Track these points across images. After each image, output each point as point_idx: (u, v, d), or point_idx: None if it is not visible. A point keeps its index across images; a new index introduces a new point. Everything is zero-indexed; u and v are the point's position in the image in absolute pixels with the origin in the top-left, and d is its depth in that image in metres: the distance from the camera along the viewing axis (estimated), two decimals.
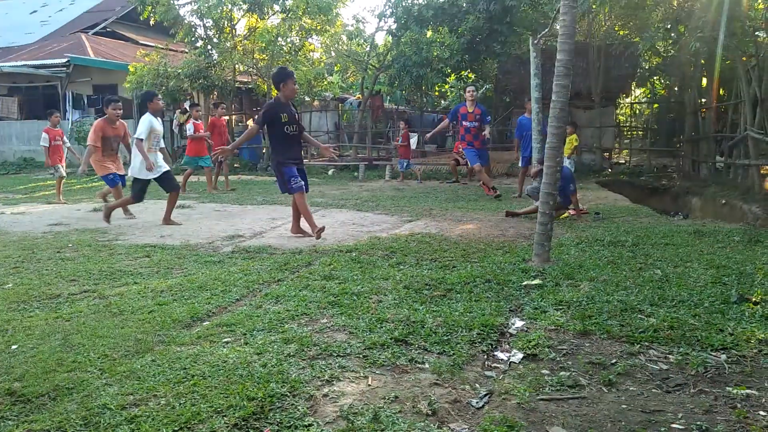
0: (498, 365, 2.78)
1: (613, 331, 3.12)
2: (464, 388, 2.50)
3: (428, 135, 11.44)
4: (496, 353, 2.91)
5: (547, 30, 7.14)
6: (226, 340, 3.06)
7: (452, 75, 16.78)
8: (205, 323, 3.34)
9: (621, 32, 15.57)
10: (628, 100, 18.91)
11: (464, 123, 9.70)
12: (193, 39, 16.67)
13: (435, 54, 14.25)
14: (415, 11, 14.99)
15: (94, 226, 6.96)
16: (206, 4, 15.69)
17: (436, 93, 22.17)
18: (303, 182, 5.91)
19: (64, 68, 17.53)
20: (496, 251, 5.13)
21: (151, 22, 16.93)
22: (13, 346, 2.98)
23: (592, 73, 14.28)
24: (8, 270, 4.62)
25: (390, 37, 16.45)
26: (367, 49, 17.83)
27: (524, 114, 9.68)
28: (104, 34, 22.26)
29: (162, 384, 2.51)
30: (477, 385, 2.55)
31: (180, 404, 2.32)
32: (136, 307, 3.61)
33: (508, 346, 3.01)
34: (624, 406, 2.36)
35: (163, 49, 16.74)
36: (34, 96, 19.48)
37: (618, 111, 18.05)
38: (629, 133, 18.80)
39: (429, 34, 15.25)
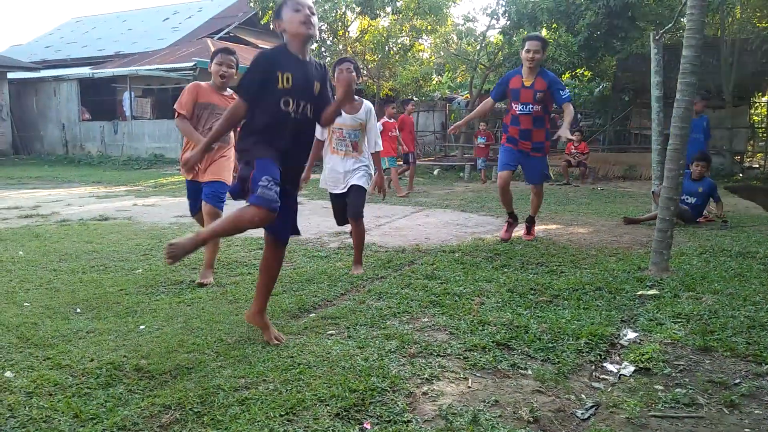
0: (606, 377, 2.65)
1: (738, 349, 2.86)
2: (569, 398, 2.41)
3: (454, 127, 5.76)
4: (604, 364, 2.77)
5: (671, 24, 6.67)
6: (330, 332, 3.16)
7: (566, 73, 16.16)
8: (311, 315, 3.47)
9: (759, 24, 14.23)
10: (765, 99, 17.26)
11: (514, 105, 5.32)
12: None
13: (549, 54, 13.78)
14: (529, 9, 14.59)
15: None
16: (322, 8, 16.26)
17: None
18: (277, 197, 2.69)
19: (192, 71, 18.88)
20: (608, 258, 4.88)
21: (271, 27, 17.81)
22: (141, 327, 3.25)
23: (723, 71, 13.19)
24: (139, 257, 5.06)
25: (502, 36, 16.15)
26: (478, 48, 17.63)
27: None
28: (228, 38, 23.73)
29: (271, 370, 2.64)
30: (583, 396, 2.44)
31: (286, 390, 2.43)
32: (250, 296, 3.82)
33: (618, 357, 2.86)
34: (747, 430, 2.16)
35: None
36: (164, 97, 21.18)
37: (753, 111, 16.52)
38: (765, 135, 17.15)
39: (543, 33, 14.79)
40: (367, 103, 4.59)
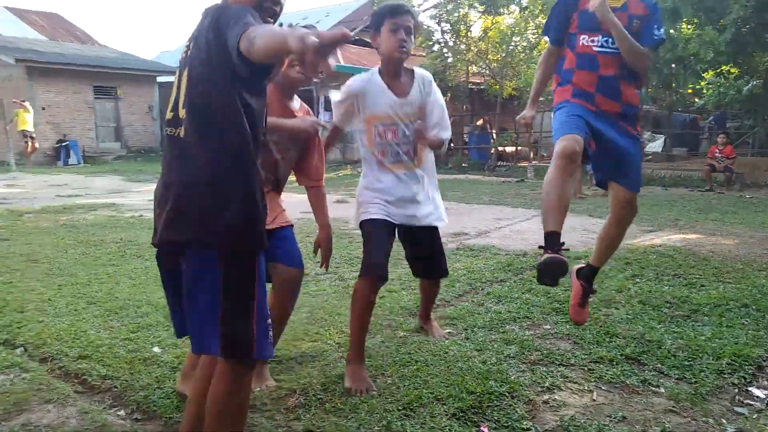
0: (752, 402, 2.40)
1: None
2: (706, 421, 2.22)
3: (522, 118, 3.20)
4: (750, 389, 2.52)
5: None
6: (448, 332, 3.16)
7: (709, 71, 14.85)
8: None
9: None
10: None
11: (586, 38, 2.81)
12: (430, 43, 17.42)
13: (692, 52, 12.68)
14: (669, 4, 13.55)
15: (340, 214, 7.72)
16: (446, 8, 16.27)
17: (689, 90, 19.84)
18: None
19: (319, 74, 19.69)
20: (757, 272, 4.43)
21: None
22: None
23: None
24: None
25: None
26: None
27: None
28: (353, 42, 24.49)
29: (389, 365, 2.69)
30: (723, 421, 2.24)
31: (404, 386, 2.47)
32: None
33: (767, 382, 2.58)
34: None
35: None
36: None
37: None
38: None
39: (684, 28, 13.69)
40: (420, 73, 2.75)
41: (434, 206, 2.81)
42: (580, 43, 2.82)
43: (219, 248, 1.57)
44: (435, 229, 2.85)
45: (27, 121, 15.12)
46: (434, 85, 2.76)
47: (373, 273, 2.58)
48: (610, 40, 2.76)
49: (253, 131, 1.62)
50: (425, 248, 2.89)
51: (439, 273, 3.00)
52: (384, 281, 2.67)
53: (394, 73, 2.66)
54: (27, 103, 15.77)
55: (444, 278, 3.10)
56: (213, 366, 1.67)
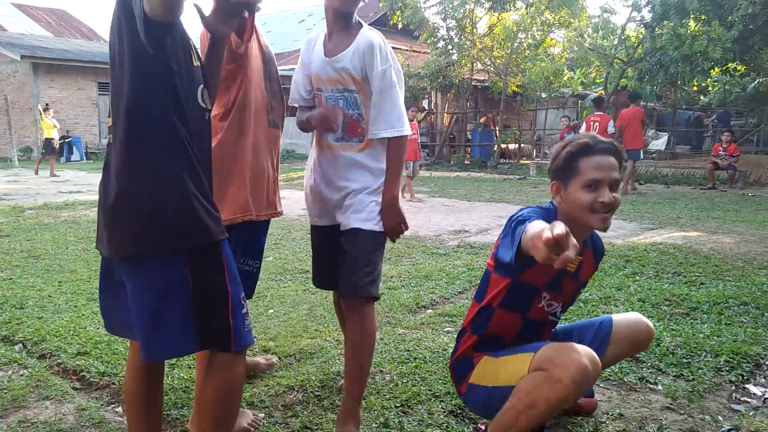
0: (749, 400, 2.40)
1: None
2: (703, 419, 2.22)
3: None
4: (747, 386, 2.51)
5: None
6: (447, 329, 3.16)
7: (715, 69, 14.77)
8: (428, 311, 3.49)
9: None
10: None
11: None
12: (435, 40, 17.40)
13: (699, 49, 12.57)
14: (676, 0, 13.45)
15: None
16: (451, 4, 16.22)
17: (695, 88, 19.77)
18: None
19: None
20: (757, 271, 4.41)
21: (399, 26, 18.11)
22: (270, 311, 3.46)
23: None
24: (270, 245, 5.38)
25: (643, 29, 15.13)
26: (615, 42, 16.66)
27: None
28: None
29: (388, 361, 2.69)
30: (720, 418, 2.23)
31: (402, 383, 2.47)
32: None
33: (764, 380, 2.58)
34: None
35: (407, 50, 17.81)
36: None
37: None
38: None
39: (692, 25, 13.61)
40: (365, 35, 2.10)
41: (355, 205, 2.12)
42: None
43: (174, 252, 1.49)
44: (358, 232, 2.10)
45: (51, 126, 13.97)
46: (383, 49, 2.07)
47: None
48: None
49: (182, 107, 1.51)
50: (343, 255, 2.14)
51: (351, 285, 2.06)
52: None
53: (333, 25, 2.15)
54: (48, 111, 14.48)
55: (363, 301, 2.08)
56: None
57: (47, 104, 15.13)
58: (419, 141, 9.89)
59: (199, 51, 1.67)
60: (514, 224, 1.70)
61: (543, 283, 1.92)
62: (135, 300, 1.51)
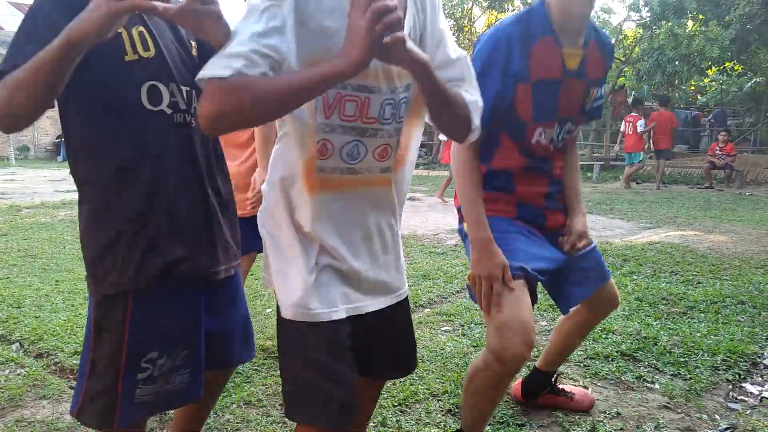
0: (746, 399, 2.40)
1: None
2: (700, 417, 2.22)
3: None
4: (744, 385, 2.52)
5: None
6: (444, 328, 3.16)
7: (713, 68, 14.79)
8: (425, 310, 3.49)
9: None
10: None
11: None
12: None
13: (697, 49, 12.58)
14: (674, 0, 13.45)
15: None
16: (449, 3, 16.24)
17: (692, 87, 19.81)
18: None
19: None
20: (754, 270, 4.43)
21: None
22: (268, 310, 3.46)
23: None
24: None
25: (640, 29, 15.15)
26: (613, 41, 16.68)
27: None
28: None
29: None
30: (716, 417, 2.24)
31: (400, 382, 2.47)
32: None
33: (761, 378, 2.58)
34: None
35: None
36: None
37: None
38: None
39: (689, 25, 13.63)
40: None
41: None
42: None
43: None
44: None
45: None
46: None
47: None
48: None
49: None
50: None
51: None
52: None
53: None
54: None
55: None
56: None
57: None
58: None
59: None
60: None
61: (529, 118, 1.72)
62: None
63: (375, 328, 1.37)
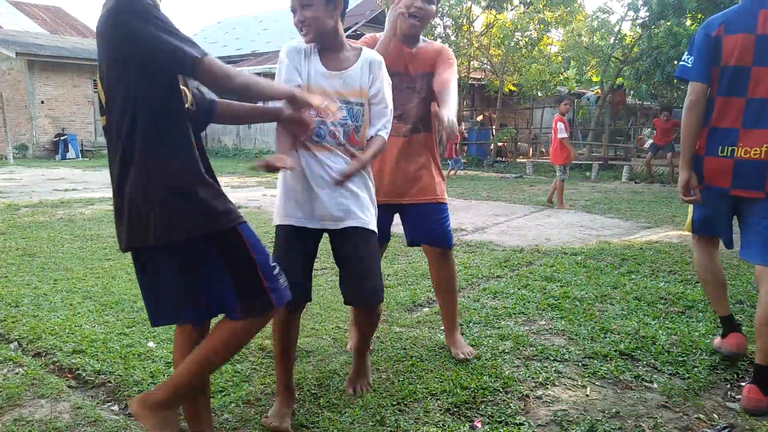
0: None
1: None
2: (698, 417, 2.22)
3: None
4: (742, 384, 2.53)
5: None
6: (443, 327, 3.15)
7: None
8: (424, 309, 3.50)
9: None
10: None
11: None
12: (432, 38, 17.38)
13: None
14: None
15: None
16: (448, 3, 16.20)
17: None
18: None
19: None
20: (752, 269, 4.41)
21: None
22: None
23: None
24: (267, 244, 5.33)
25: (639, 29, 15.13)
26: (612, 41, 16.67)
27: None
28: (355, 36, 24.42)
29: (384, 360, 2.69)
30: (715, 416, 2.24)
31: (398, 381, 2.47)
32: None
33: None
34: None
35: None
36: None
37: None
38: None
39: (689, 24, 13.61)
40: (366, 51, 2.23)
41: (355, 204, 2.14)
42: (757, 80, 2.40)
43: (196, 237, 1.66)
44: (358, 231, 2.14)
45: None
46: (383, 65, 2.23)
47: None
48: None
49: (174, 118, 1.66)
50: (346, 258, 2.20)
51: (364, 294, 2.20)
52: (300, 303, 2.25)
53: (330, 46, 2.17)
54: None
55: (377, 303, 2.23)
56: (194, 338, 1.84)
57: None
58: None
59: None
60: None
61: None
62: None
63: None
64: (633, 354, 2.78)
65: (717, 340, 2.77)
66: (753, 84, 2.36)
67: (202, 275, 1.74)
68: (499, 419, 2.19)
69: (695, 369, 2.62)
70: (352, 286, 2.20)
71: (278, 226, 2.19)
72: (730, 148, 2.42)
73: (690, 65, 2.48)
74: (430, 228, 2.71)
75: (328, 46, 2.14)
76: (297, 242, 2.15)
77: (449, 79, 2.51)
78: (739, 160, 2.40)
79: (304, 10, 2.05)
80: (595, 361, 2.71)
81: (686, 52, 2.54)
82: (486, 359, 2.70)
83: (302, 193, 2.11)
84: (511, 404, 2.29)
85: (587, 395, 2.40)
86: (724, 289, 2.73)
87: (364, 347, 2.46)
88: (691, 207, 2.74)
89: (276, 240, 2.20)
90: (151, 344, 2.86)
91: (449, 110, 2.31)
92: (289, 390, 2.25)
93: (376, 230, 2.20)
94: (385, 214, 2.55)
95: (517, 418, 2.20)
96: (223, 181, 9.81)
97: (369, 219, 2.17)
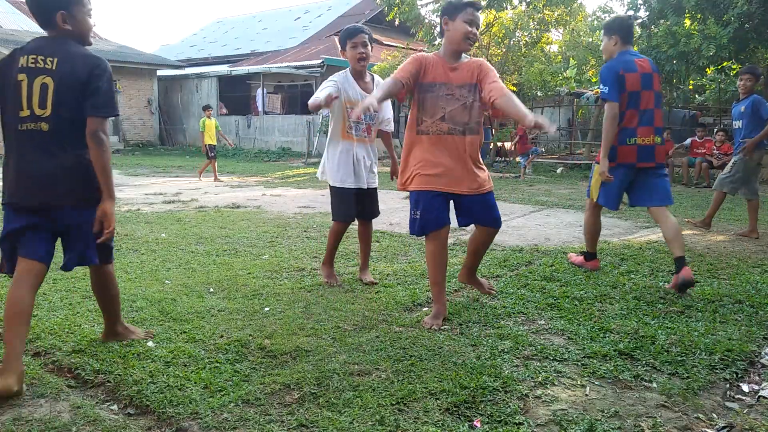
0: (743, 398, 2.41)
1: None
2: (697, 417, 2.23)
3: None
4: (741, 384, 2.53)
5: None
6: (442, 327, 3.16)
7: (710, 67, 14.77)
8: (424, 309, 3.50)
9: None
10: None
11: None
12: (431, 37, 17.37)
13: (694, 47, 12.55)
14: None
15: None
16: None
17: (690, 87, 19.81)
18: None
19: (319, 68, 19.65)
20: (752, 269, 4.44)
21: (396, 23, 18.07)
22: (266, 308, 3.46)
23: None
24: (266, 243, 5.37)
25: (639, 29, 15.12)
26: None
27: None
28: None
29: (384, 359, 2.69)
30: (714, 416, 2.24)
31: (398, 380, 2.47)
32: (366, 287, 3.92)
33: (758, 377, 2.59)
34: None
35: (404, 48, 17.79)
36: (293, 93, 22.26)
37: None
38: None
39: (687, 23, 13.61)
40: (377, 78, 4.02)
41: (375, 174, 4.04)
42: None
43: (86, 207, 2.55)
44: (375, 189, 4.06)
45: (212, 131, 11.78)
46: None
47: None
48: None
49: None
50: (369, 203, 4.04)
51: (371, 215, 4.10)
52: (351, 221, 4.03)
53: (359, 74, 3.92)
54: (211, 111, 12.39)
55: (375, 218, 4.17)
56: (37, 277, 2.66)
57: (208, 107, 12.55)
58: None
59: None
60: None
61: None
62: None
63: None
64: (632, 353, 2.78)
65: (579, 259, 4.47)
66: (643, 101, 3.99)
67: None
68: (499, 419, 2.19)
69: (694, 368, 2.62)
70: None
71: (335, 188, 3.93)
72: (633, 139, 4.00)
73: (608, 92, 4.02)
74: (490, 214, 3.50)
75: (359, 76, 3.93)
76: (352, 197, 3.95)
77: (503, 86, 3.09)
78: (640, 146, 4.01)
79: (366, 48, 3.84)
80: (595, 361, 2.71)
81: (602, 84, 4.06)
82: (485, 359, 2.70)
83: (350, 165, 3.89)
84: (510, 404, 2.29)
85: (586, 395, 2.40)
86: (598, 236, 4.46)
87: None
88: (598, 183, 4.19)
89: (339, 196, 3.93)
90: (150, 344, 2.86)
91: (528, 111, 2.94)
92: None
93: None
94: (444, 201, 3.33)
95: (517, 417, 2.20)
96: (223, 180, 9.87)
97: (377, 182, 4.07)
